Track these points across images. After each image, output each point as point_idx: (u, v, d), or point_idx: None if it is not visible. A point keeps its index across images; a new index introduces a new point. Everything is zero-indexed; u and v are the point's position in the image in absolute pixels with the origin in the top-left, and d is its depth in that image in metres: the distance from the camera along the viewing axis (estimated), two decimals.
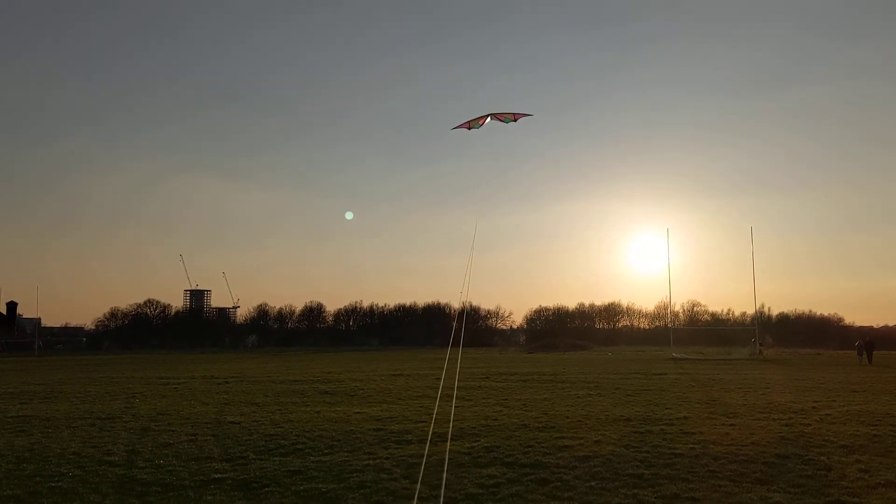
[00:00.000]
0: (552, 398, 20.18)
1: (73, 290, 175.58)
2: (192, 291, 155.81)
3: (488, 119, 12.61)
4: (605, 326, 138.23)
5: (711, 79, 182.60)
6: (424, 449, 10.87)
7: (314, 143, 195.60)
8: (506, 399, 19.88)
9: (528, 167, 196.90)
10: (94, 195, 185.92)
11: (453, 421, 14.59)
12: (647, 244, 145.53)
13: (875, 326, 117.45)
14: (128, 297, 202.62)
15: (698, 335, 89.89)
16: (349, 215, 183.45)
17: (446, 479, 8.52)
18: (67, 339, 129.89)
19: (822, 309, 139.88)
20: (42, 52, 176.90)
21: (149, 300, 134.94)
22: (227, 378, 30.85)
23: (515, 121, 12.86)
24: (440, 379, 27.00)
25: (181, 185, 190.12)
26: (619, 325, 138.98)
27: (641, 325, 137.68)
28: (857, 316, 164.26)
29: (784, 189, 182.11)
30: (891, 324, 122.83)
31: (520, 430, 13.64)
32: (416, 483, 8.54)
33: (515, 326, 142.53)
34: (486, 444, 11.78)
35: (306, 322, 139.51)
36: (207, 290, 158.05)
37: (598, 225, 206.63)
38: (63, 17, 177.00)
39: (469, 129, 12.65)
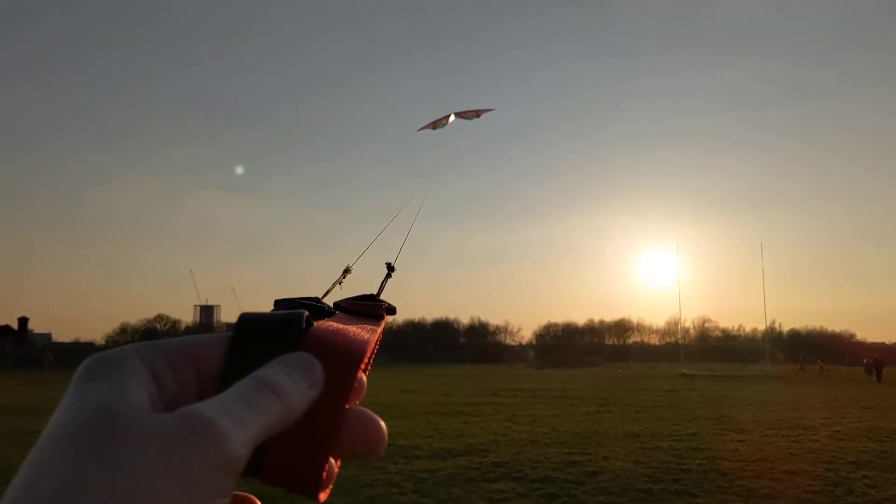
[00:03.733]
0: (561, 414, 20.20)
1: (84, 306, 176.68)
2: (201, 307, 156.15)
3: (452, 118, 12.51)
4: (615, 342, 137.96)
5: (722, 92, 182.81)
6: (433, 464, 10.97)
7: (321, 156, 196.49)
8: (515, 415, 19.91)
9: (535, 180, 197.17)
10: (105, 211, 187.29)
11: (462, 437, 14.69)
12: (657, 259, 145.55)
13: (887, 343, 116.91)
14: (138, 313, 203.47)
15: (709, 351, 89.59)
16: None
17: (455, 494, 8.62)
18: (78, 354, 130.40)
19: (834, 325, 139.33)
20: (49, 65, 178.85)
21: (159, 315, 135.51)
22: None
23: (479, 117, 12.76)
24: (448, 395, 27.03)
25: (192, 200, 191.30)
26: (630, 341, 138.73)
27: (652, 342, 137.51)
28: (869, 332, 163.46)
29: (794, 204, 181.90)
30: None
31: (529, 445, 13.70)
32: (425, 497, 8.64)
33: (524, 342, 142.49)
34: (494, 460, 11.85)
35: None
36: (217, 306, 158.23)
37: (608, 240, 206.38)
38: (56, 23, 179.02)
39: (434, 129, 12.54)
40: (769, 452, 12.69)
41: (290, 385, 0.44)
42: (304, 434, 0.45)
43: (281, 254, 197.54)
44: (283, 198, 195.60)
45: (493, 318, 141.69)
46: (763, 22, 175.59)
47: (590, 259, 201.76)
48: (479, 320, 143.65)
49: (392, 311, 0.68)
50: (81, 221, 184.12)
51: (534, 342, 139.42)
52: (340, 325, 0.53)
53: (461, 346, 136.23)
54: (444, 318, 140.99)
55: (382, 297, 0.71)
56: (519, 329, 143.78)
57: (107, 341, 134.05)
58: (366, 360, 0.51)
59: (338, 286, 0.95)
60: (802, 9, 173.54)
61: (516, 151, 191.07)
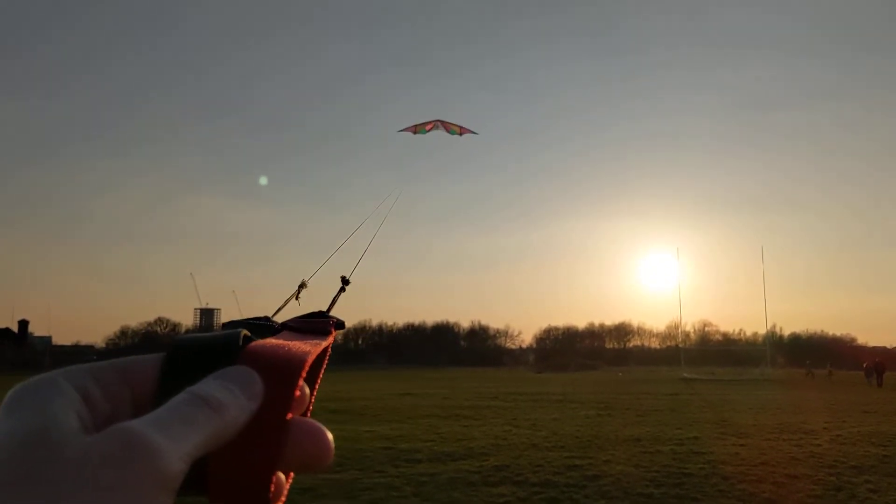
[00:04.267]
0: (562, 418, 20.17)
1: (84, 309, 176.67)
2: (202, 310, 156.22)
3: (436, 126, 12.36)
4: (616, 346, 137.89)
5: (723, 93, 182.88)
6: (433, 467, 10.94)
7: (322, 160, 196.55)
8: (515, 419, 19.88)
9: (535, 182, 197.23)
10: (106, 214, 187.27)
11: (462, 440, 14.66)
12: (658, 263, 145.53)
13: (888, 347, 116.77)
14: (138, 316, 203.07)
15: (709, 355, 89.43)
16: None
17: (456, 498, 8.59)
18: (78, 357, 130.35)
19: (835, 329, 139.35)
20: (54, 69, 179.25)
21: (159, 318, 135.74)
22: None
23: (461, 135, 12.63)
24: (448, 398, 27.02)
25: (193, 204, 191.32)
26: (630, 345, 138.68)
27: (652, 345, 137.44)
28: (871, 336, 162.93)
29: (795, 207, 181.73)
30: None
31: (529, 449, 13.67)
32: (426, 501, 8.61)
33: (524, 346, 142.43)
34: (495, 463, 11.82)
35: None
36: (217, 309, 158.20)
37: (608, 243, 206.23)
38: (65, 30, 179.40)
39: (415, 133, 12.41)
40: (771, 456, 12.65)
41: (227, 398, 0.44)
42: (246, 448, 0.45)
43: (282, 257, 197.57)
44: (284, 201, 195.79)
45: (494, 322, 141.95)
46: (765, 23, 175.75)
47: (590, 262, 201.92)
48: (479, 324, 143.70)
49: (340, 325, 0.65)
50: (83, 224, 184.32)
51: (534, 346, 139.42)
52: (280, 341, 0.52)
53: (461, 349, 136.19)
54: (445, 322, 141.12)
55: (338, 310, 0.71)
56: (519, 332, 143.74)
57: (107, 344, 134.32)
58: (305, 371, 0.49)
59: (296, 302, 0.93)
60: (805, 10, 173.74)
61: (516, 154, 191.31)
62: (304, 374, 0.49)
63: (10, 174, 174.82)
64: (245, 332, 0.50)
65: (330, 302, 0.87)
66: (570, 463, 11.91)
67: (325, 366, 0.58)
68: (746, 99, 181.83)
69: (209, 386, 0.44)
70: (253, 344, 0.50)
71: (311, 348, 0.52)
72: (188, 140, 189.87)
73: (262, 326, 0.56)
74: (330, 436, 0.50)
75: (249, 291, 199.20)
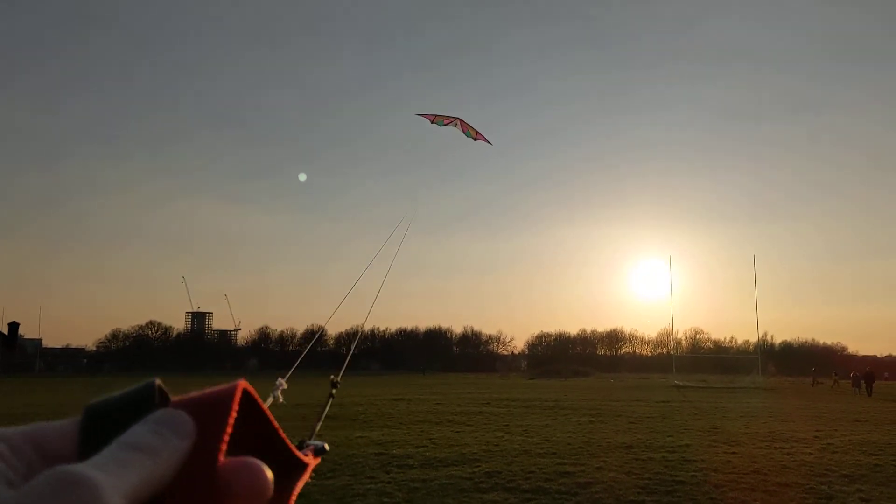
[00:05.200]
0: (554, 424, 20.16)
1: (75, 312, 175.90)
2: (193, 314, 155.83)
3: (454, 123, 12.40)
4: (608, 353, 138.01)
5: (715, 105, 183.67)
6: (425, 473, 10.91)
7: (317, 167, 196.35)
8: (507, 425, 19.85)
9: (528, 191, 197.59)
10: (98, 216, 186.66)
11: (454, 446, 14.62)
12: (650, 270, 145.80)
13: (879, 356, 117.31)
14: (129, 319, 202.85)
15: (701, 363, 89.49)
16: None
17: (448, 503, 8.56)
18: (68, 360, 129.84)
19: (826, 337, 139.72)
20: (45, 71, 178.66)
21: (150, 322, 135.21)
22: None
23: (475, 139, 12.69)
24: (440, 404, 26.98)
25: (184, 207, 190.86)
26: (622, 352, 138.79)
27: (644, 352, 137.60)
28: (861, 345, 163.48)
29: (787, 216, 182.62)
30: (895, 353, 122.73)
31: (521, 455, 13.65)
32: None
33: (517, 352, 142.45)
34: (487, 470, 11.80)
35: (307, 345, 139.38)
36: (209, 313, 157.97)
37: (601, 250, 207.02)
38: (65, 37, 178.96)
39: (433, 122, 12.44)
40: (762, 465, 12.66)
41: (157, 442, 0.44)
42: (186, 488, 0.44)
43: (273, 262, 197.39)
44: (276, 206, 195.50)
45: (486, 328, 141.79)
46: (756, 36, 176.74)
47: (583, 269, 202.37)
48: (472, 330, 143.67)
49: (321, 451, 0.66)
50: (74, 227, 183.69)
51: (526, 352, 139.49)
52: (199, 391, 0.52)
53: (454, 355, 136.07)
54: (438, 328, 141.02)
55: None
56: (511, 339, 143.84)
57: (98, 347, 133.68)
58: (236, 404, 0.49)
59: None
60: (795, 24, 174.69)
61: (510, 163, 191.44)
62: (235, 408, 0.48)
63: (2, 177, 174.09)
64: (160, 381, 0.50)
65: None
66: (561, 470, 11.89)
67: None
68: (738, 111, 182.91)
69: (138, 433, 0.44)
70: (174, 398, 0.50)
71: (231, 390, 0.51)
72: (184, 144, 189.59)
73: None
74: (268, 474, 0.49)
75: (241, 295, 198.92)
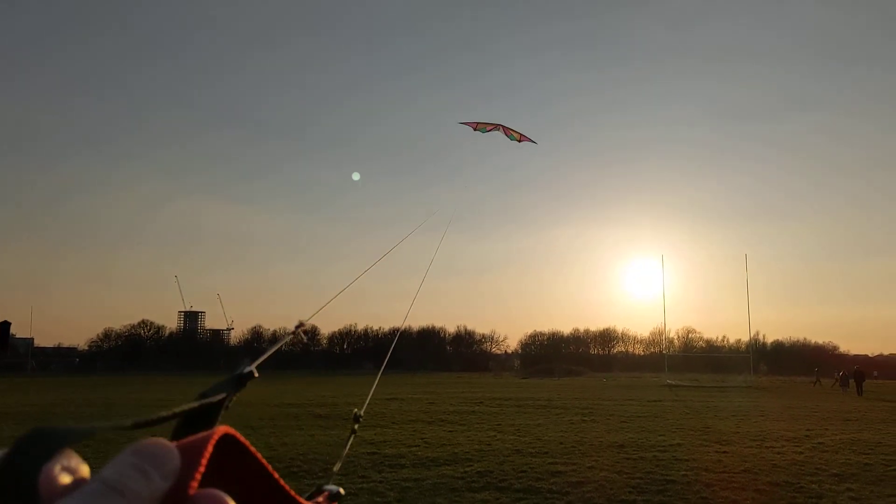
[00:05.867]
0: (546, 424, 20.20)
1: (67, 311, 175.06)
2: (186, 313, 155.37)
3: (498, 129, 12.54)
4: (600, 352, 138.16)
5: (708, 103, 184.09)
6: (417, 473, 10.93)
7: (310, 166, 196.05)
8: (499, 424, 19.89)
9: (522, 191, 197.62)
10: (90, 216, 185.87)
11: (447, 446, 14.64)
12: (642, 269, 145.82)
13: (870, 355, 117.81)
14: (122, 318, 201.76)
15: (693, 362, 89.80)
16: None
17: (439, 503, 8.58)
18: (60, 360, 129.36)
19: (817, 337, 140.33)
20: (43, 72, 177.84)
21: (143, 321, 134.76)
22: None
23: (519, 142, 12.81)
24: (433, 403, 26.99)
25: (177, 207, 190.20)
26: (614, 351, 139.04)
27: (636, 352, 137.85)
28: (853, 344, 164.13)
29: (779, 215, 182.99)
30: (886, 353, 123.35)
31: (513, 455, 13.68)
32: None
33: (510, 351, 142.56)
34: (479, 469, 11.83)
35: (300, 345, 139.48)
36: (202, 312, 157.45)
37: (593, 249, 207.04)
38: (65, 37, 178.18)
39: (475, 129, 12.57)
40: (753, 464, 12.73)
41: (139, 485, 0.43)
42: None
43: (266, 260, 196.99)
44: (270, 204, 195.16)
45: (480, 327, 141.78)
46: (750, 35, 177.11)
47: (575, 269, 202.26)
48: (465, 329, 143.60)
49: (335, 497, 0.67)
50: (66, 226, 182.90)
51: (519, 351, 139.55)
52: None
53: (447, 354, 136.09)
54: (431, 327, 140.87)
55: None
56: (505, 338, 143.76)
57: (90, 346, 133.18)
58: (212, 445, 0.50)
59: (297, 336, 0.93)
60: (789, 22, 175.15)
61: (502, 162, 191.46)
62: (209, 448, 0.49)
63: None
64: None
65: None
66: (553, 469, 11.93)
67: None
68: (731, 109, 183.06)
69: (122, 469, 0.43)
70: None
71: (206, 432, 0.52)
72: (175, 141, 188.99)
73: (225, 382, 0.60)
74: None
75: (234, 294, 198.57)
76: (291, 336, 0.95)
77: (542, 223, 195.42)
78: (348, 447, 0.84)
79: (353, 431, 0.97)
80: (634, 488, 10.29)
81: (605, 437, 16.85)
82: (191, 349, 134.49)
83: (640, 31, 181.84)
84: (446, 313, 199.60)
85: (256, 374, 0.71)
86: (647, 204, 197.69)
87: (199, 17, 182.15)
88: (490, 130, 12.41)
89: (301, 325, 0.98)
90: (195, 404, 0.58)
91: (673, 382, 55.61)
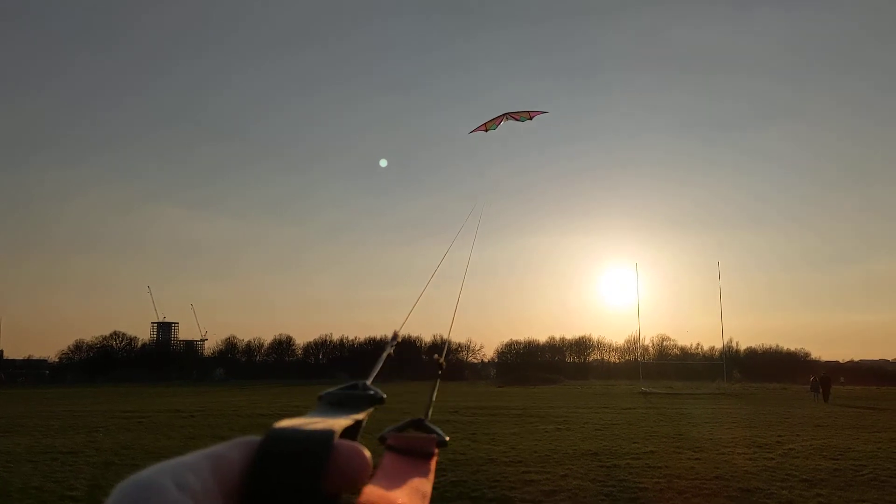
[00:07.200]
0: (521, 432, 20.19)
1: (37, 323, 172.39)
2: (159, 324, 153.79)
3: (505, 118, 12.42)
4: (576, 360, 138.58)
5: (681, 116, 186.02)
6: None
7: (284, 170, 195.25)
8: (474, 433, 19.82)
9: (494, 198, 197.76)
10: (59, 224, 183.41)
11: None
12: (617, 278, 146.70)
13: (841, 361, 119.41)
14: (93, 330, 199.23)
15: (667, 369, 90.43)
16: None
17: None
18: (30, 372, 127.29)
19: (790, 344, 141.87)
20: (21, 81, 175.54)
21: (115, 332, 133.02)
22: (193, 412, 30.38)
23: (531, 119, 12.65)
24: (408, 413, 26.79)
25: (149, 215, 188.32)
26: (590, 359, 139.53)
27: (611, 359, 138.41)
28: (824, 351, 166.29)
29: (752, 224, 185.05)
30: (857, 359, 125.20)
31: (487, 464, 13.64)
32: None
33: (486, 360, 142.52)
34: (452, 479, 11.77)
35: (275, 355, 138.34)
36: (175, 323, 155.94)
37: (569, 258, 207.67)
38: (19, 39, 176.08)
39: (486, 131, 12.45)
40: (725, 470, 12.80)
41: None
42: None
43: (241, 270, 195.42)
44: (243, 213, 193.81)
45: (456, 336, 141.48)
46: (721, 44, 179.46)
47: (551, 277, 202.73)
48: (441, 338, 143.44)
49: (443, 443, 0.66)
50: (35, 234, 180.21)
51: (496, 359, 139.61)
52: (385, 492, 0.55)
53: (423, 363, 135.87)
54: (407, 336, 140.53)
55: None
56: (481, 347, 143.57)
57: (60, 358, 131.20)
58: None
59: (390, 351, 0.91)
60: (760, 30, 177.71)
61: (475, 170, 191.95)
62: None
63: None
64: (338, 432, 0.53)
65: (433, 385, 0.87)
66: (527, 478, 11.91)
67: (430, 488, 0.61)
68: (703, 118, 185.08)
69: None
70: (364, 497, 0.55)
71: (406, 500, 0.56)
72: (148, 149, 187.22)
73: (361, 397, 0.62)
74: (367, 454, 0.55)
75: (208, 305, 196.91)
76: (392, 347, 0.94)
77: (519, 232, 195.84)
78: (435, 394, 0.82)
79: (439, 375, 0.95)
80: (607, 496, 10.30)
81: (580, 445, 16.87)
82: (164, 360, 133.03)
83: (612, 38, 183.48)
84: (422, 322, 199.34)
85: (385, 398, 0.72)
86: (622, 213, 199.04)
87: (164, 14, 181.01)
88: (499, 124, 12.28)
89: (396, 336, 0.96)
90: (350, 421, 0.60)
91: (647, 390, 55.90)
